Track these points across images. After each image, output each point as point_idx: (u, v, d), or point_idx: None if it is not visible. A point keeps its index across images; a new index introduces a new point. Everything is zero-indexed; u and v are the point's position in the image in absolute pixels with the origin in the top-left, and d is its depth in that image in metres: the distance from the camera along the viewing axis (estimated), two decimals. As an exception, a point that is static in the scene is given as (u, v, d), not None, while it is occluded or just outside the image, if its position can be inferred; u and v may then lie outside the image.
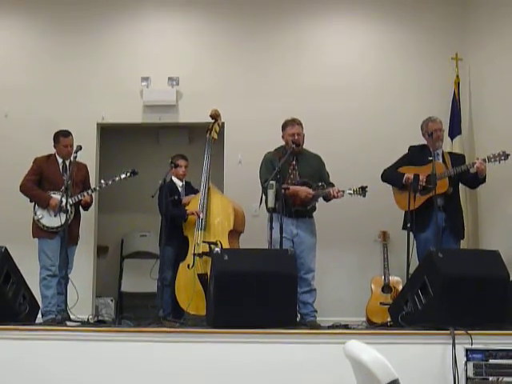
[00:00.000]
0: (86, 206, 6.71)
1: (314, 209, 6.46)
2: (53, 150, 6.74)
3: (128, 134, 8.88)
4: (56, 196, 6.44)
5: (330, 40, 8.25)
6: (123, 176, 6.57)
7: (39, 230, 6.50)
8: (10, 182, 7.06)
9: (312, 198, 6.27)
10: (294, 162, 6.44)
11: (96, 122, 8.02)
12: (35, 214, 6.50)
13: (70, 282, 6.08)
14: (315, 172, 6.45)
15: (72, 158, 6.42)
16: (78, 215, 6.65)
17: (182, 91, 8.09)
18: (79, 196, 6.50)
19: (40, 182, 6.63)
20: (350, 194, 6.13)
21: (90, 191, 6.57)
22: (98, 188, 6.64)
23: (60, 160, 6.68)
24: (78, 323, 5.77)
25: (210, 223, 6.65)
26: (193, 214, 6.67)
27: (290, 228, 6.27)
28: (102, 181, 6.65)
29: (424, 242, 6.12)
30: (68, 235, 6.34)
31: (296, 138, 6.40)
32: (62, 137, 6.68)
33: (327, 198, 6.31)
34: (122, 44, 8.26)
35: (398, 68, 8.09)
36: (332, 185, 6.37)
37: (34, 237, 6.56)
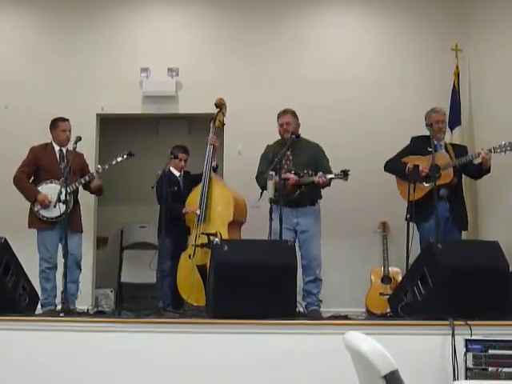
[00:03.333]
0: (99, 191, 6.67)
1: (317, 196, 6.44)
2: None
3: (128, 124, 8.87)
4: (46, 189, 6.38)
5: (330, 33, 8.24)
6: (119, 159, 6.47)
7: (37, 221, 6.45)
8: (8, 174, 7.06)
9: (295, 184, 6.24)
10: (289, 153, 6.41)
11: (95, 113, 8.02)
12: (34, 204, 6.46)
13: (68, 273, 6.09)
14: (311, 160, 6.41)
15: (71, 148, 6.40)
16: (77, 204, 6.60)
17: (181, 82, 8.08)
18: (76, 184, 6.42)
19: (36, 172, 6.58)
20: (332, 178, 6.12)
21: (86, 177, 6.47)
22: (95, 174, 6.52)
23: (57, 148, 6.62)
24: (78, 314, 5.79)
25: (211, 214, 6.64)
26: (187, 213, 6.67)
27: (290, 218, 6.26)
28: (99, 166, 6.55)
29: (428, 231, 6.11)
30: (70, 223, 6.34)
31: (284, 127, 6.41)
32: (60, 121, 6.64)
33: (319, 186, 6.29)
34: (121, 35, 8.24)
35: (397, 59, 8.08)
36: (330, 171, 6.31)
37: (29, 227, 6.51)
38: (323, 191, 6.44)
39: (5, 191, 7.56)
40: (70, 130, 6.62)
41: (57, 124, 6.64)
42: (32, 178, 6.61)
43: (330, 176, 6.12)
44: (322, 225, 6.51)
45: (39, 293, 6.10)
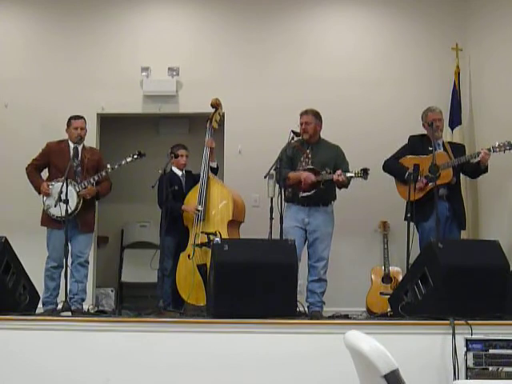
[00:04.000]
0: (97, 196, 6.63)
1: (331, 197, 6.43)
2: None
3: (128, 124, 8.87)
4: (56, 188, 6.27)
5: (330, 30, 8.24)
6: (129, 159, 6.45)
7: (47, 220, 6.43)
8: (9, 173, 7.07)
9: (315, 181, 6.23)
10: (309, 151, 6.42)
11: (96, 113, 7.99)
12: (43, 203, 6.43)
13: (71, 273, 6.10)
14: (330, 161, 6.38)
15: (76, 147, 6.45)
16: (90, 201, 6.54)
17: (182, 81, 8.07)
18: (85, 183, 6.39)
19: (48, 166, 6.58)
20: (352, 176, 6.10)
21: (95, 177, 6.44)
22: (104, 173, 6.46)
23: (71, 146, 6.59)
24: (79, 314, 5.79)
25: (210, 214, 6.64)
26: (188, 211, 6.66)
27: (301, 217, 6.27)
28: (108, 165, 6.48)
29: (428, 231, 6.12)
30: (80, 222, 6.37)
31: (303, 127, 6.40)
32: (72, 119, 6.65)
33: (338, 185, 6.29)
34: (121, 34, 8.24)
35: (397, 58, 8.08)
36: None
37: (41, 225, 6.50)
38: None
39: (5, 190, 7.59)
40: (82, 128, 6.62)
41: (70, 122, 6.66)
42: (43, 170, 6.62)
43: (349, 174, 6.09)
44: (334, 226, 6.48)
45: (41, 290, 6.09)
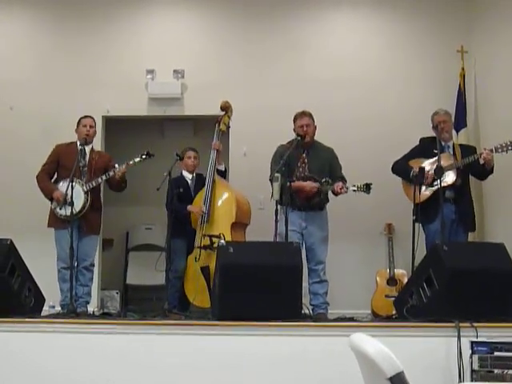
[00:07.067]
0: (118, 185, 6.59)
1: (326, 200, 6.44)
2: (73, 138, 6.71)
3: (133, 126, 8.87)
4: (63, 188, 6.26)
5: (335, 32, 8.25)
6: (137, 159, 6.44)
7: (54, 220, 6.42)
8: (12, 174, 7.06)
9: (316, 192, 6.25)
10: (304, 155, 6.42)
11: (101, 115, 8.00)
12: (52, 203, 6.43)
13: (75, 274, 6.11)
14: (325, 165, 6.42)
15: (84, 147, 6.48)
16: (96, 203, 6.55)
17: (187, 84, 8.08)
18: (93, 183, 6.39)
19: (58, 169, 6.56)
20: (354, 190, 6.11)
21: (103, 177, 6.44)
22: (112, 173, 6.43)
23: (79, 147, 6.58)
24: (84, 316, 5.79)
25: (213, 216, 6.64)
26: (192, 212, 6.66)
27: (298, 221, 6.28)
28: (116, 165, 6.46)
29: (434, 233, 6.11)
30: (85, 224, 6.37)
31: (305, 129, 6.39)
32: (82, 118, 6.69)
33: (334, 193, 6.30)
34: (126, 37, 8.26)
35: (402, 60, 8.09)
36: (343, 178, 6.34)
37: (48, 226, 6.50)
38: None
39: (7, 191, 7.61)
40: (92, 126, 6.64)
41: (79, 121, 6.69)
42: (54, 175, 6.60)
43: (352, 188, 6.10)
44: (329, 228, 6.49)
45: (50, 292, 6.07)
